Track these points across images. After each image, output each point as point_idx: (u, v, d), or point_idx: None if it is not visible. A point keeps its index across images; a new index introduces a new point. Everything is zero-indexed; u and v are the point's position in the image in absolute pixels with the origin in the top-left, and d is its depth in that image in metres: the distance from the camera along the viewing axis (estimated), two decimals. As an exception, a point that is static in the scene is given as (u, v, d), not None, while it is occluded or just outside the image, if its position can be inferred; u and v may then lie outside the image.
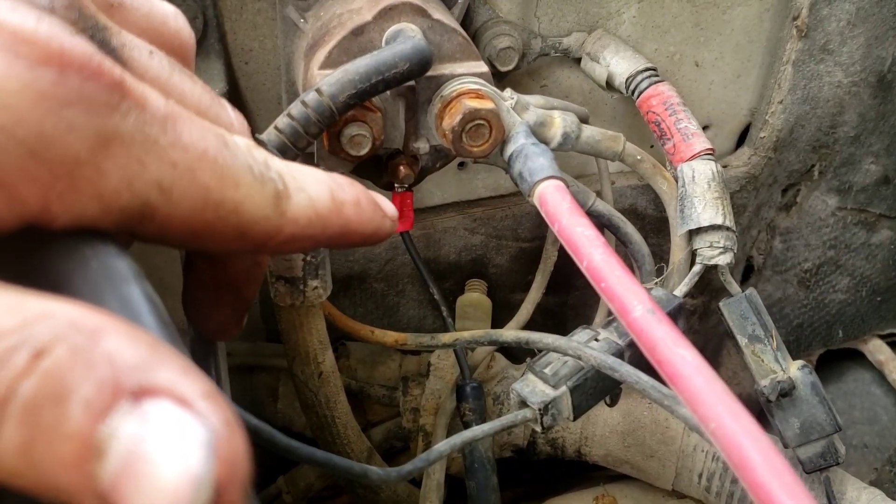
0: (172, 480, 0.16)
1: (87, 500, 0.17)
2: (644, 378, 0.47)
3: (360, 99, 0.47)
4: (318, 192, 0.26)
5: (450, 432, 0.68)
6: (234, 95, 0.62)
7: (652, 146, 0.75)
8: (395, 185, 0.57)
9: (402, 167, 0.56)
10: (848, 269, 0.90)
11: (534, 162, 0.49)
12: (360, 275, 0.74)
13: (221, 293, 0.30)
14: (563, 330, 0.57)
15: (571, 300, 0.82)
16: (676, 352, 0.38)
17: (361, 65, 0.47)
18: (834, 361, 1.01)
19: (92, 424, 0.16)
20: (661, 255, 0.70)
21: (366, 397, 0.74)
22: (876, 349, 0.99)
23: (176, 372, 0.17)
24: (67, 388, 0.16)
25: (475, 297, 0.74)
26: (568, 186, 0.49)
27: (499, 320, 0.76)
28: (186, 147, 0.22)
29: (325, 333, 0.60)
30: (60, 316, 0.17)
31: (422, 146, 0.55)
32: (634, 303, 0.40)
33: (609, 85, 0.66)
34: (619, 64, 0.64)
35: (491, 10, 0.65)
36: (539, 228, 0.76)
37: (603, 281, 0.43)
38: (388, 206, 0.29)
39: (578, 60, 0.68)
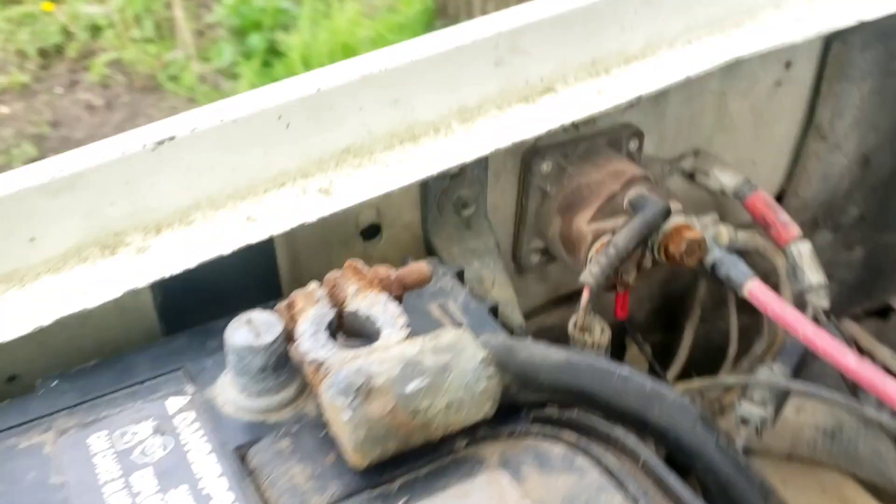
0: None
1: None
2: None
3: (637, 245, 0.74)
4: None
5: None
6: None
7: (727, 222, 1.05)
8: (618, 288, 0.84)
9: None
10: None
11: (736, 268, 0.78)
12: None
13: None
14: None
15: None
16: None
17: (637, 223, 0.74)
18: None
19: None
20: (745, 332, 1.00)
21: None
22: None
23: None
24: None
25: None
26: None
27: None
28: None
29: None
30: None
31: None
32: (847, 354, 0.70)
33: (721, 192, 0.95)
34: (725, 178, 0.93)
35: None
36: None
37: (816, 346, 0.71)
38: None
39: (687, 175, 0.97)
